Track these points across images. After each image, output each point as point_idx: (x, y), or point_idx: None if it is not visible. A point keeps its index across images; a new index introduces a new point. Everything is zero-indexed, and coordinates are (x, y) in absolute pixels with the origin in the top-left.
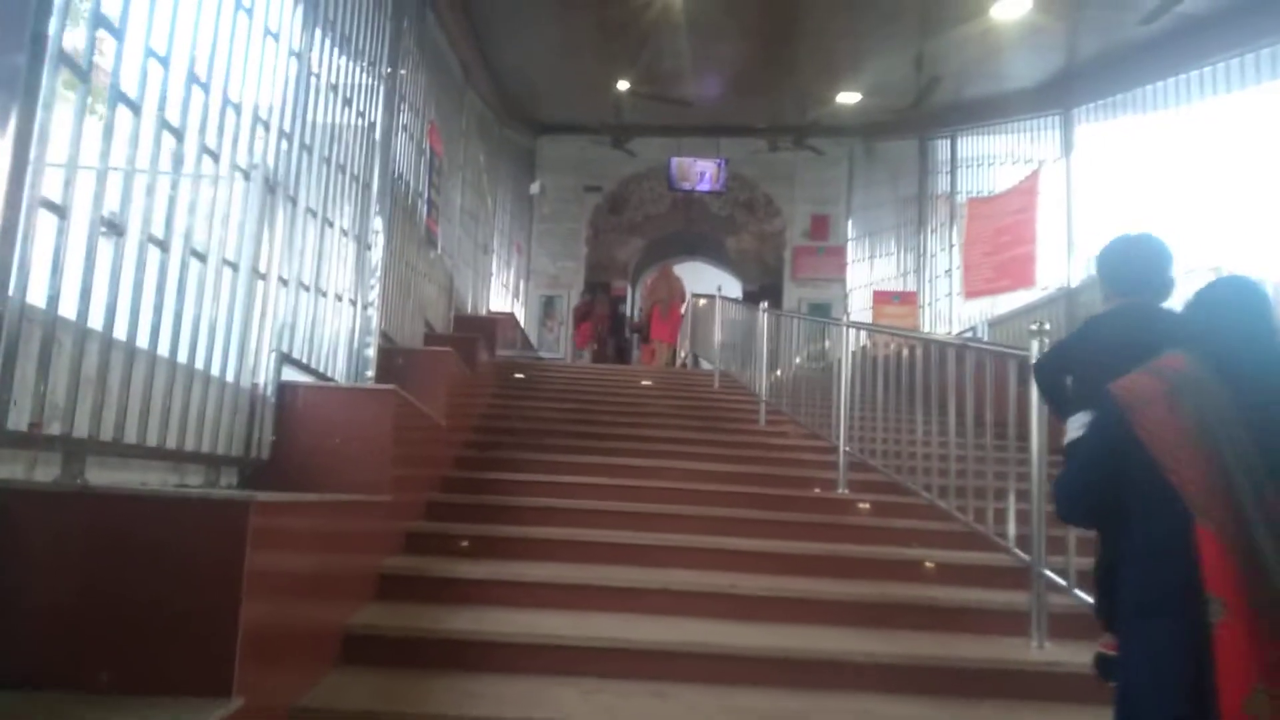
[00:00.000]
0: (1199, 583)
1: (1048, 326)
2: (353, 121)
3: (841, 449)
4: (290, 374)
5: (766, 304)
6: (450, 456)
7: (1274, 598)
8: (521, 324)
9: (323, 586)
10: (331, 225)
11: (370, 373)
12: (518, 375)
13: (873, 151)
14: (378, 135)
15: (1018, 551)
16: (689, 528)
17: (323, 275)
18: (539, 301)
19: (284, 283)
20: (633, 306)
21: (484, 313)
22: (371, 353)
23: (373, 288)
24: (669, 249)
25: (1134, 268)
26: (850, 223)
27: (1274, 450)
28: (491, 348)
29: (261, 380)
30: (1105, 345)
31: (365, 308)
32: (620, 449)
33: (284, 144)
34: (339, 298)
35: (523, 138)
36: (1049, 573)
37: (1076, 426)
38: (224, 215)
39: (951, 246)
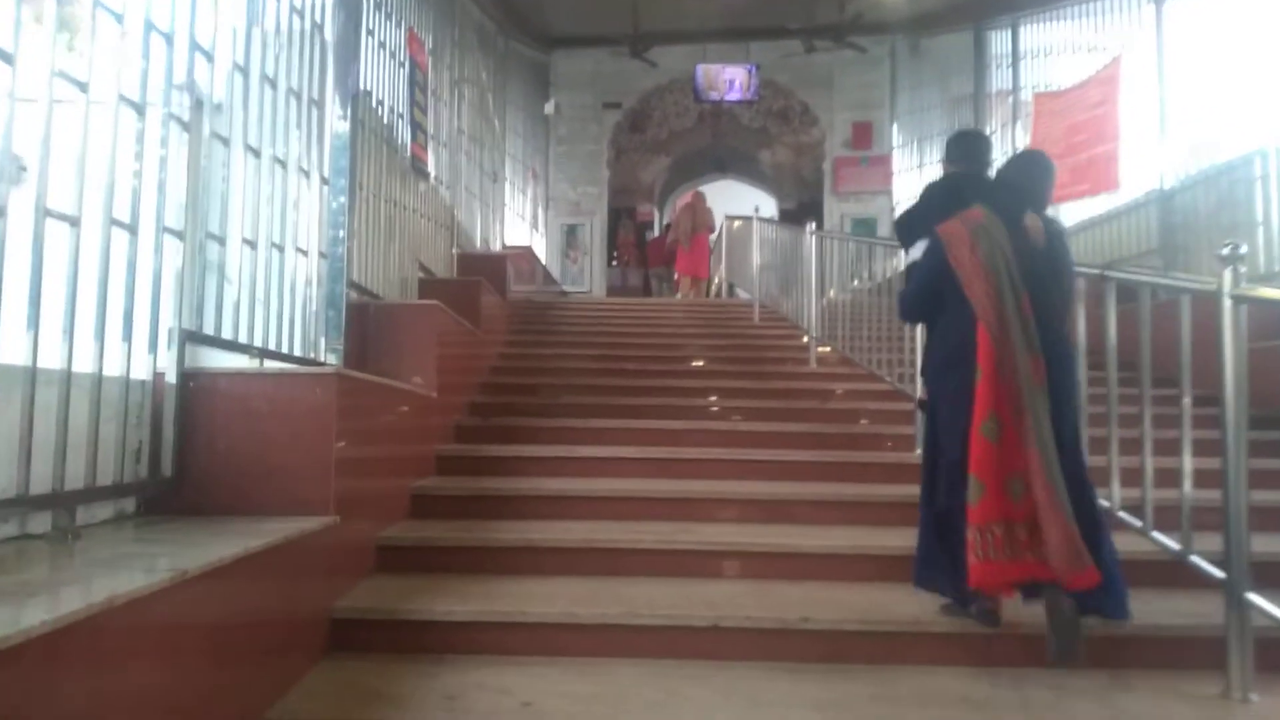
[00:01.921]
0: (974, 356)
1: (1243, 250)
2: (291, 23)
3: (918, 397)
4: (222, 358)
5: (814, 224)
6: (441, 434)
7: (1007, 363)
8: (543, 256)
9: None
10: (259, 155)
11: (337, 343)
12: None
13: (918, 48)
14: (328, 37)
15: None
16: (739, 514)
17: (260, 222)
18: (560, 231)
19: (180, 237)
20: (660, 232)
21: (497, 248)
22: (339, 314)
23: (336, 231)
24: (697, 167)
25: (964, 147)
26: (895, 128)
27: (1024, 274)
28: (503, 288)
29: (165, 370)
30: (939, 198)
31: (324, 257)
32: (650, 407)
33: (187, 53)
34: (278, 248)
35: (533, 52)
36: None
37: (915, 253)
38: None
39: (1015, 150)
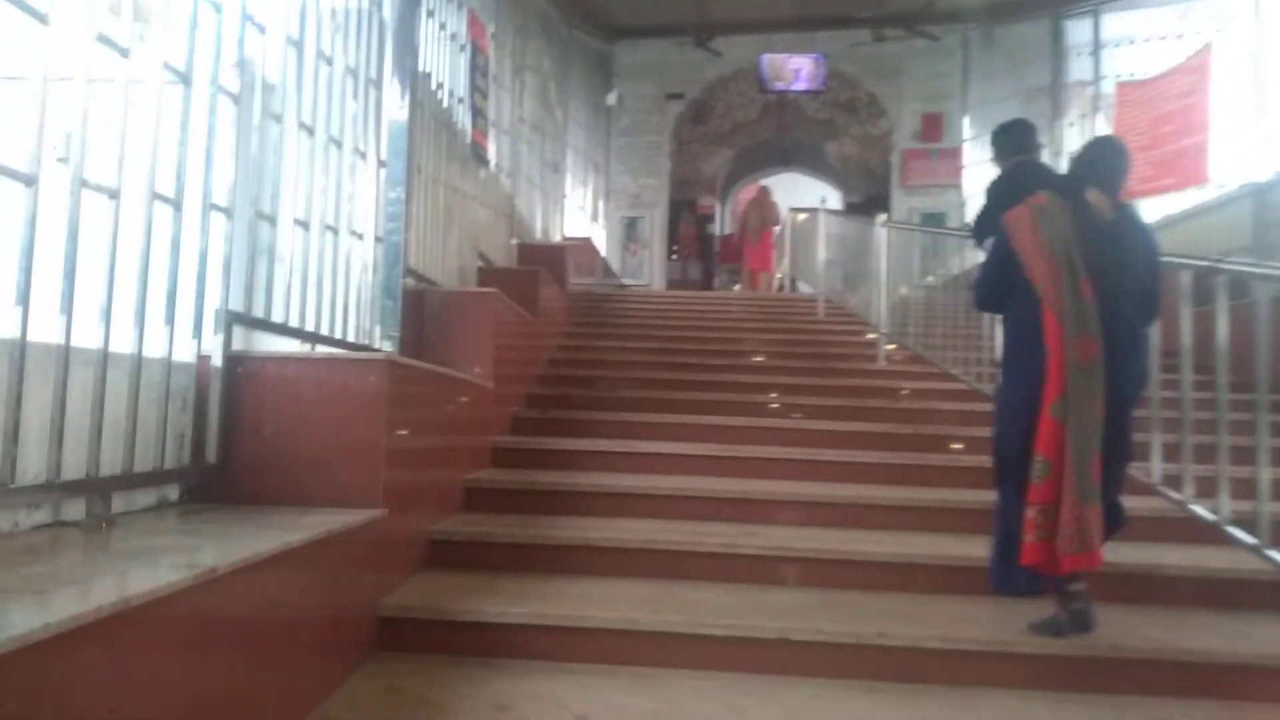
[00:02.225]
0: (1042, 338)
1: None
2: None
3: None
4: (273, 342)
5: (886, 216)
6: (498, 425)
7: (1069, 347)
8: (602, 249)
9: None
10: (313, 134)
11: (393, 329)
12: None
13: (991, 37)
14: (387, 15)
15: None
16: (805, 518)
17: (313, 203)
18: (620, 223)
19: (228, 215)
20: (722, 225)
21: (556, 239)
22: (395, 300)
23: (394, 216)
24: (760, 159)
25: (1015, 139)
26: (966, 121)
27: (1088, 255)
28: (562, 279)
29: (210, 353)
30: (1004, 193)
31: (380, 241)
32: (711, 403)
33: (238, 23)
34: (332, 230)
35: (596, 42)
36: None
37: (987, 247)
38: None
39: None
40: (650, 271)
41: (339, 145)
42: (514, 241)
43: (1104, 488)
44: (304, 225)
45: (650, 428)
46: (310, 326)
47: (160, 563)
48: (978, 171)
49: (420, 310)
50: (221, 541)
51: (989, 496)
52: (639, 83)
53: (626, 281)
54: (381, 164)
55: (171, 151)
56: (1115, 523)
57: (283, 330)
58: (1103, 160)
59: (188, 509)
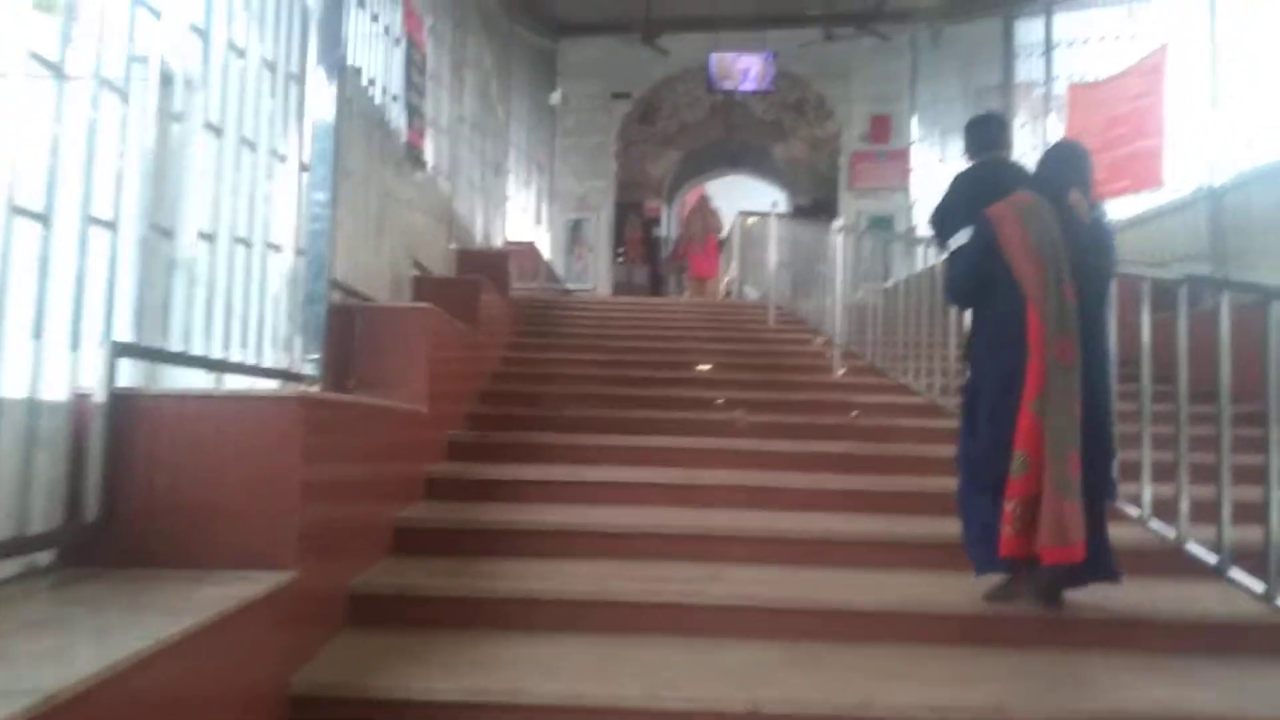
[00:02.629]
0: (1024, 335)
1: None
2: None
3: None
4: (176, 374)
5: (842, 221)
6: (433, 451)
7: (1049, 345)
8: (546, 252)
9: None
10: (221, 135)
11: (316, 351)
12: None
13: (940, 37)
14: (311, 3)
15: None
16: (769, 555)
17: (221, 212)
18: (565, 226)
19: (111, 229)
20: (669, 228)
21: (498, 244)
22: (319, 318)
23: (317, 225)
24: (708, 161)
25: (988, 134)
26: (915, 122)
27: (1070, 257)
28: (504, 287)
29: (94, 390)
30: (976, 186)
31: (301, 254)
32: (662, 421)
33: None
34: (244, 243)
35: (540, 39)
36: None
37: (959, 239)
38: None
39: (1047, 144)
40: (596, 276)
41: (252, 147)
42: (453, 247)
43: (1089, 484)
44: (208, 238)
45: (598, 451)
46: (218, 353)
47: None
48: (926, 173)
49: (348, 328)
50: (86, 635)
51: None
52: (584, 81)
53: (571, 286)
54: (304, 168)
55: (42, 158)
56: (1097, 516)
57: (182, 360)
58: (1077, 162)
59: (59, 579)
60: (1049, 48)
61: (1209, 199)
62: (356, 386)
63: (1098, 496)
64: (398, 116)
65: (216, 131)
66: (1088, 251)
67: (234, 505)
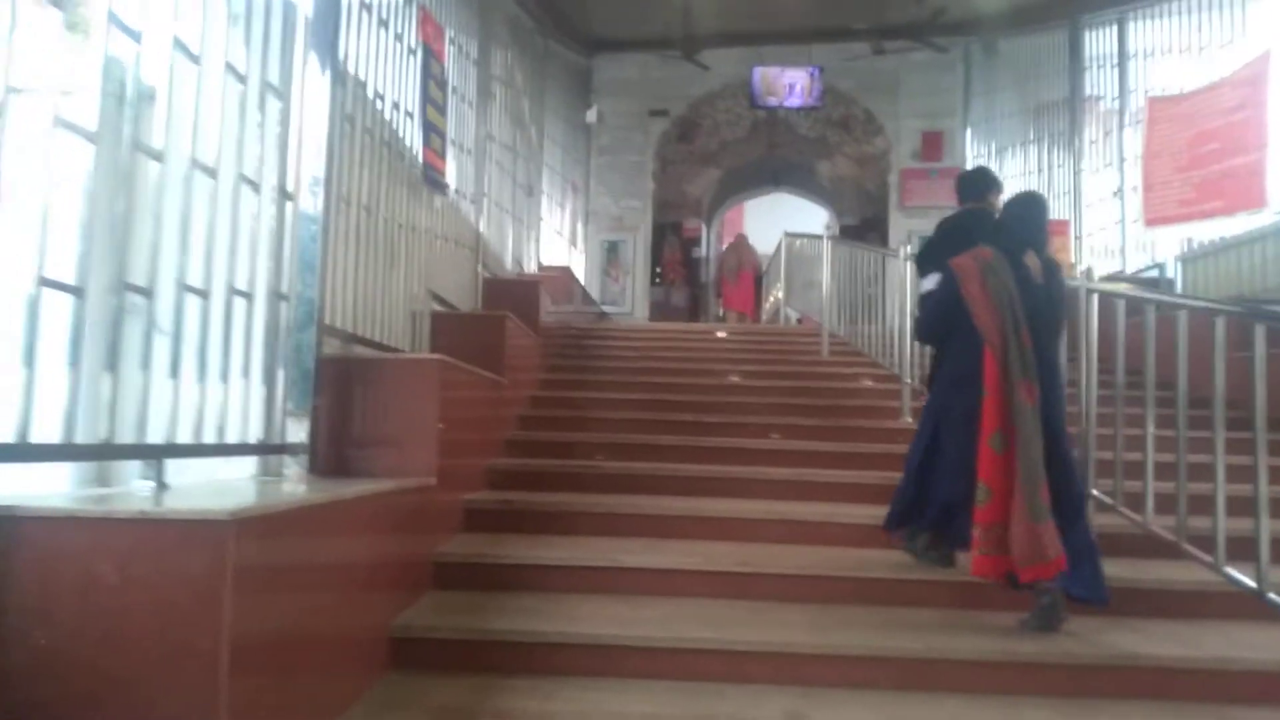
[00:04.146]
0: (981, 377)
1: None
2: None
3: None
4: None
5: (909, 247)
6: (446, 525)
7: (1008, 386)
8: (581, 275)
9: None
10: (163, 161)
11: (302, 417)
12: (599, 456)
13: (994, 50)
14: (299, 1)
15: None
16: (870, 678)
17: (161, 256)
18: (600, 248)
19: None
20: (708, 248)
21: (530, 269)
22: (306, 374)
23: (305, 263)
24: (749, 179)
25: (976, 186)
26: (969, 137)
27: (1025, 309)
28: (534, 319)
29: None
30: (952, 234)
31: (284, 299)
32: (712, 481)
33: None
34: (196, 293)
35: (574, 55)
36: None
37: (930, 283)
38: None
39: (1123, 161)
40: (632, 299)
41: (210, 173)
42: (481, 271)
43: (1061, 507)
44: (142, 291)
45: (638, 521)
46: (162, 437)
47: None
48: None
49: (346, 382)
50: None
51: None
52: (620, 99)
53: (607, 309)
54: (286, 195)
55: None
56: (1086, 539)
57: (80, 454)
58: (1033, 218)
59: None
60: (1123, 58)
61: None
62: (357, 456)
63: (1069, 523)
64: (413, 135)
65: (155, 157)
66: (1040, 306)
67: (138, 674)
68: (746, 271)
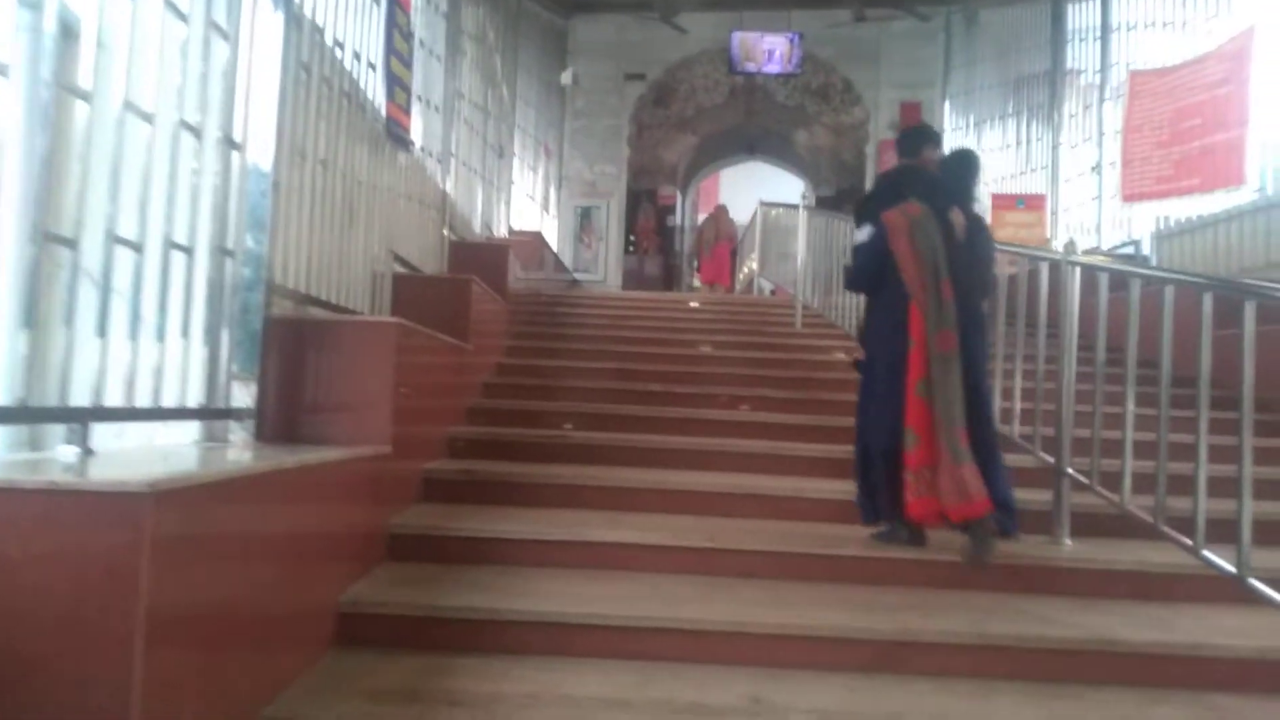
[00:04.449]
0: (908, 327)
1: None
2: None
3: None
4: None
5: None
6: (403, 493)
7: (930, 337)
8: (554, 241)
9: None
10: (91, 102)
11: (248, 380)
12: (566, 426)
13: (975, 21)
14: None
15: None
16: (846, 660)
17: (91, 204)
18: (574, 214)
19: None
20: (683, 217)
21: (501, 233)
22: (253, 336)
23: (254, 219)
24: (725, 147)
25: (913, 142)
26: (947, 109)
27: (948, 262)
28: (503, 284)
29: None
30: (887, 189)
31: (229, 255)
32: (680, 453)
33: None
34: (131, 245)
35: (550, 14)
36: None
37: (863, 235)
38: None
39: (1102, 136)
40: (606, 266)
41: (146, 118)
42: (447, 234)
43: (978, 448)
44: (67, 243)
45: (603, 493)
46: (85, 399)
47: None
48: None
49: (297, 345)
50: None
51: None
52: (596, 61)
53: (579, 277)
54: (234, 146)
55: None
56: (994, 471)
57: (18, 416)
58: (963, 176)
59: None
60: (1106, 31)
61: None
62: (309, 422)
63: (981, 460)
64: (376, 88)
65: (84, 98)
66: (963, 257)
67: (43, 657)
68: (723, 243)
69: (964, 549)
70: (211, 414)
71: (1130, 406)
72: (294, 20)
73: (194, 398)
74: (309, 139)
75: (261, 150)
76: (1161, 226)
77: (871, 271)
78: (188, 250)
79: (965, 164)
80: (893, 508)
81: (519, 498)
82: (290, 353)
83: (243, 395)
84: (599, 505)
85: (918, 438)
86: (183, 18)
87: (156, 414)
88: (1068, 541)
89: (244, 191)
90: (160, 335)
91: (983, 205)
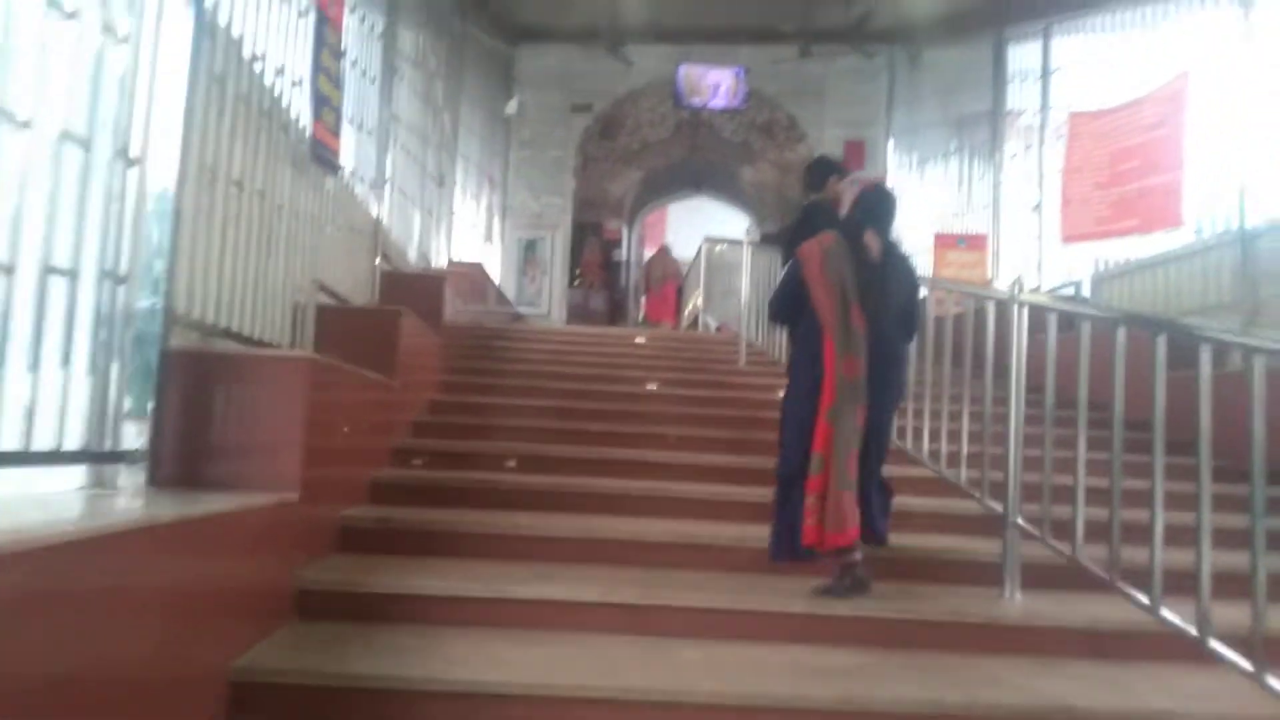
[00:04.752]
0: (823, 355)
1: None
2: None
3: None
4: None
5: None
6: (317, 543)
7: (840, 366)
8: (497, 273)
9: None
10: None
11: (142, 419)
12: (509, 463)
13: (919, 61)
14: None
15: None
16: None
17: None
18: (518, 246)
19: None
20: (629, 251)
21: (440, 263)
22: (147, 371)
23: (150, 243)
24: (671, 182)
25: (815, 176)
26: (890, 148)
27: (859, 286)
28: (437, 317)
29: None
30: (801, 225)
31: (119, 281)
32: (620, 498)
33: None
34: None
35: (496, 42)
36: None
37: (784, 270)
38: None
39: (1042, 176)
40: (550, 301)
41: (20, 125)
42: (380, 264)
43: (864, 478)
44: None
45: (532, 544)
46: None
47: None
48: (902, 203)
49: (199, 380)
50: None
51: None
52: (542, 91)
53: (523, 310)
54: (130, 162)
55: None
56: (885, 505)
57: None
58: (879, 207)
59: None
60: (1046, 72)
61: (1237, 242)
62: (209, 465)
63: (871, 486)
64: (303, 107)
65: None
66: (873, 282)
67: None
68: (671, 282)
69: (829, 585)
70: (92, 457)
71: (1082, 451)
72: (206, 29)
73: (75, 438)
74: (221, 158)
75: (164, 168)
76: (1101, 268)
77: (789, 304)
78: (69, 274)
79: (880, 195)
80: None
81: (443, 548)
82: (191, 388)
83: (138, 434)
84: (530, 557)
85: (822, 461)
86: (69, 16)
87: (21, 459)
88: (1018, 595)
89: (141, 212)
90: (33, 368)
91: (906, 239)
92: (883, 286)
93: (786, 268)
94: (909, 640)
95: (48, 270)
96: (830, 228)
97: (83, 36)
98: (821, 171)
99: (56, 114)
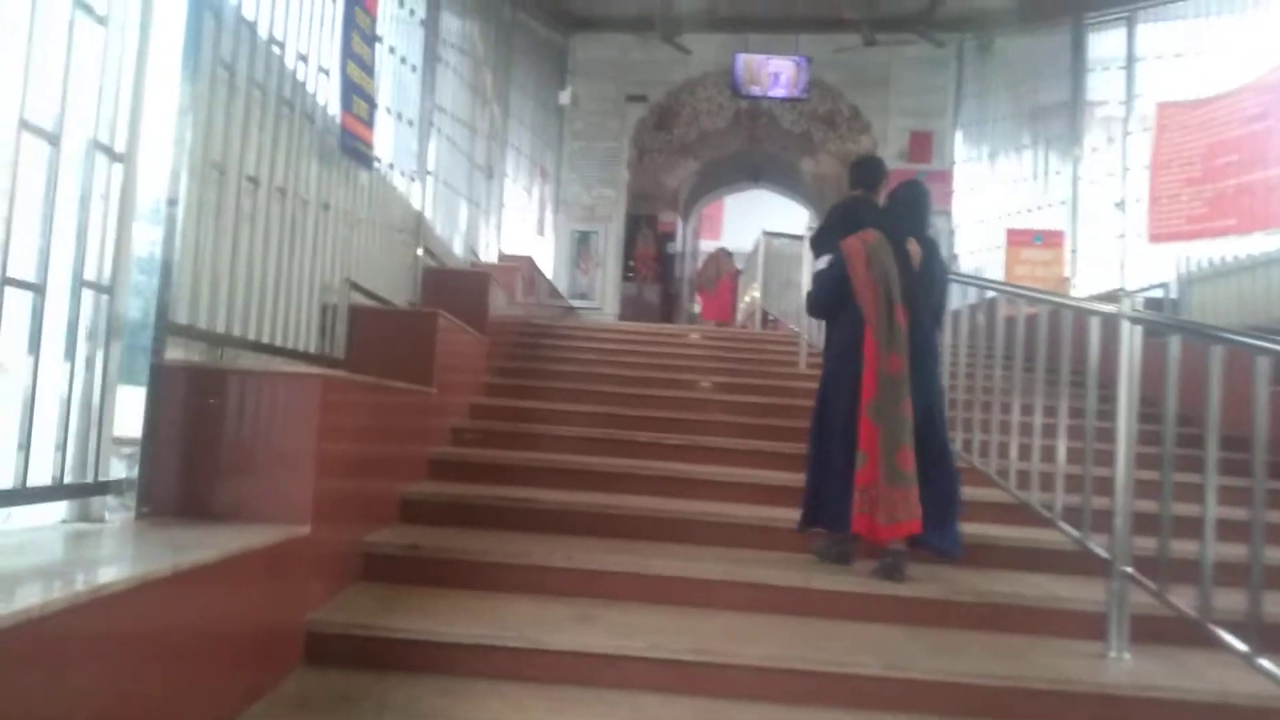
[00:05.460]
0: (863, 352)
1: None
2: None
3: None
4: None
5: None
6: (331, 577)
7: (881, 359)
8: (549, 266)
9: None
10: None
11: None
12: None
13: (989, 49)
14: None
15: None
16: None
17: None
18: (570, 239)
19: None
20: (684, 244)
21: (489, 258)
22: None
23: (147, 246)
24: (728, 174)
25: (865, 173)
26: (959, 140)
27: (902, 289)
28: (481, 317)
29: None
30: (843, 218)
31: (103, 292)
32: (670, 522)
33: None
34: None
35: (549, 31)
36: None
37: (822, 263)
38: None
39: (1126, 171)
40: (603, 293)
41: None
42: (421, 255)
43: (928, 473)
44: None
45: (573, 578)
46: None
47: None
48: (972, 199)
49: (196, 400)
50: None
51: None
52: (597, 81)
53: (575, 304)
54: (114, 157)
55: None
56: (952, 501)
57: None
58: (916, 206)
59: None
60: (1131, 60)
61: None
62: (208, 495)
63: (934, 483)
64: (328, 95)
65: None
66: (916, 286)
67: None
68: (725, 281)
69: (875, 569)
70: (72, 491)
71: (1212, 483)
72: (207, 9)
73: (49, 470)
74: (232, 151)
75: (156, 164)
76: (1190, 269)
77: (830, 297)
78: (36, 288)
79: (918, 194)
80: (837, 519)
81: (476, 579)
82: (186, 409)
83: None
84: (570, 591)
85: (866, 457)
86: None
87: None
88: (1126, 655)
89: (129, 213)
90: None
91: (939, 232)
92: (926, 287)
93: (826, 261)
94: (1006, 710)
95: (4, 281)
96: (874, 224)
97: (43, 10)
98: (875, 173)
99: (14, 99)
